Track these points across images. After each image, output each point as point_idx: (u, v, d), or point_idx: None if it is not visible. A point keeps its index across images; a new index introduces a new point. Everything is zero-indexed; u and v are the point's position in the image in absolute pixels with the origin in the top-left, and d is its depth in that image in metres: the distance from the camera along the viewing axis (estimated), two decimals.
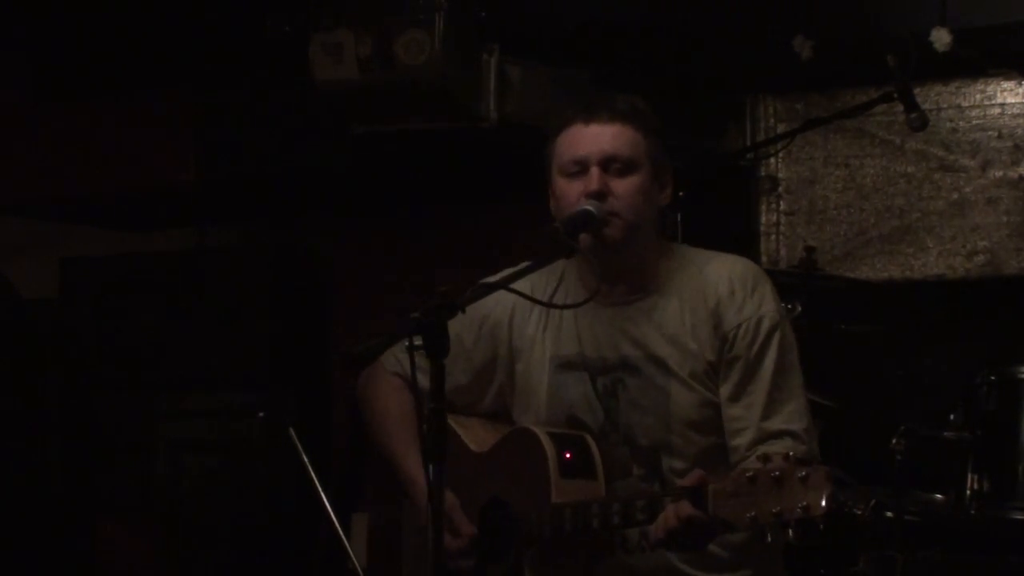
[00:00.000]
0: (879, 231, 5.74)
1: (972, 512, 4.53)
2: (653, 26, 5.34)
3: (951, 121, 5.65)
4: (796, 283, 4.98)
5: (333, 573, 5.24)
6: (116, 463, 6.26)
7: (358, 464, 5.96)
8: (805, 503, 3.14)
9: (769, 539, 3.24)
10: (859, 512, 4.54)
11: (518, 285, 3.61)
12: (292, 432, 3.93)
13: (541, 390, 3.73)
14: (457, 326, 3.57)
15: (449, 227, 6.28)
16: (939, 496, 4.70)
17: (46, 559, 5.97)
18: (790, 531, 3.19)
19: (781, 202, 5.87)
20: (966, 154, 5.65)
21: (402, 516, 3.90)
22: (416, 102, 5.18)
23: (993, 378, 4.58)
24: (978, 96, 5.64)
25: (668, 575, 3.60)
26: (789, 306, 4.78)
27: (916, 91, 5.09)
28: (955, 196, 5.66)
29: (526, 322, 3.78)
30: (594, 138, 3.64)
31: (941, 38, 5.03)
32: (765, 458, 3.20)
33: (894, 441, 4.56)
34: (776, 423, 3.59)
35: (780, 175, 5.87)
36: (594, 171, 3.62)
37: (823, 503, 3.12)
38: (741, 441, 3.59)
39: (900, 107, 5.10)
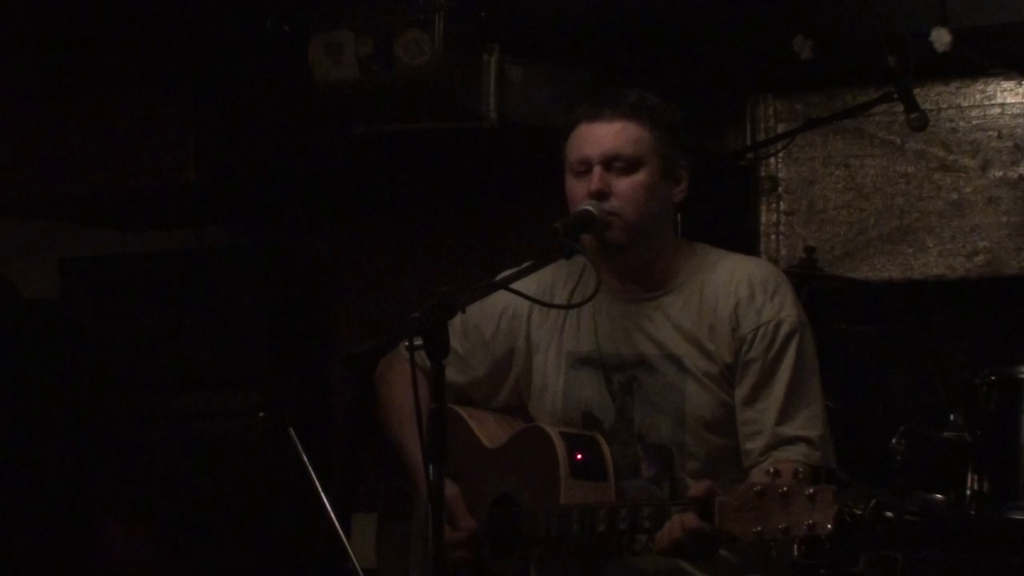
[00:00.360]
0: (879, 231, 5.74)
1: (972, 512, 4.53)
2: (653, 26, 5.34)
3: (951, 121, 5.65)
4: (796, 283, 4.97)
5: (333, 573, 5.25)
6: (116, 463, 6.26)
7: (358, 464, 5.97)
8: (812, 521, 3.13)
9: (774, 555, 3.24)
10: (859, 512, 4.53)
11: (539, 277, 3.61)
12: (292, 432, 3.93)
13: (557, 386, 3.73)
14: (476, 318, 3.58)
15: (449, 227, 6.28)
16: (939, 496, 4.69)
17: (46, 559, 5.97)
18: (795, 548, 3.19)
19: (781, 202, 5.86)
20: (966, 154, 5.65)
21: (411, 515, 3.91)
22: (416, 102, 5.18)
23: (993, 378, 4.58)
24: (978, 96, 5.64)
25: None
26: None
27: (916, 91, 5.09)
28: (955, 196, 5.66)
29: (545, 316, 3.77)
30: (597, 137, 3.63)
31: (941, 38, 5.02)
32: (775, 473, 3.19)
33: (894, 441, 4.56)
34: (791, 429, 3.57)
35: (780, 175, 5.86)
36: (596, 170, 3.62)
37: (830, 523, 3.12)
38: (754, 445, 3.58)
39: (900, 107, 5.11)
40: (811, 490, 3.14)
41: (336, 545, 3.87)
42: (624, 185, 3.61)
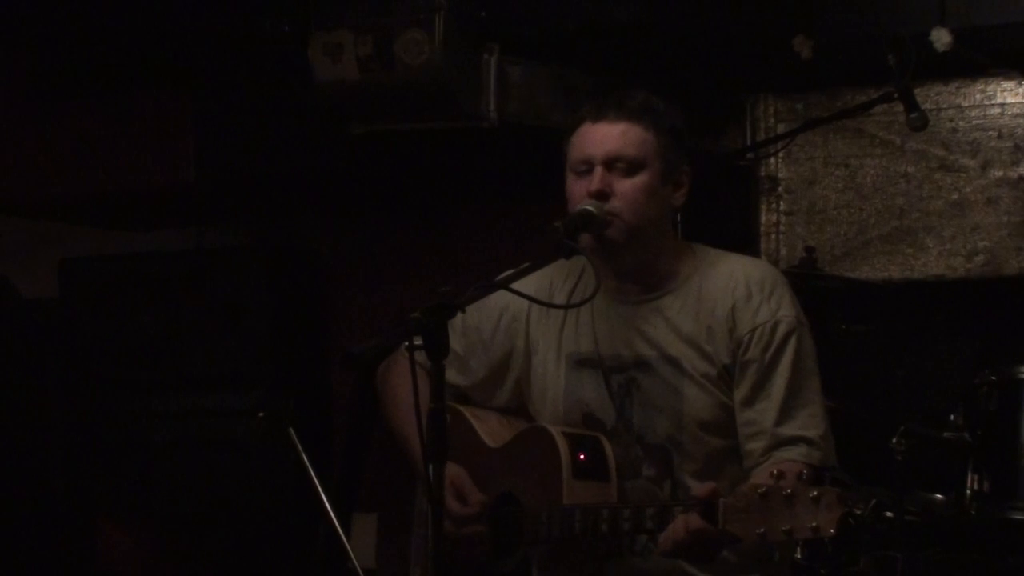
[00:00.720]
0: (879, 231, 5.74)
1: (972, 512, 4.53)
2: (653, 26, 5.34)
3: (951, 121, 5.65)
4: (796, 283, 4.96)
5: (333, 573, 5.25)
6: (116, 463, 6.26)
7: (358, 464, 5.97)
8: (815, 524, 3.13)
9: (776, 557, 3.24)
10: (859, 512, 4.53)
11: (538, 279, 3.61)
12: (292, 432, 3.93)
13: (558, 386, 3.73)
14: (475, 318, 3.58)
15: (449, 227, 6.28)
16: (939, 496, 4.69)
17: (46, 559, 5.97)
18: (798, 551, 3.19)
19: (781, 202, 5.86)
20: (966, 154, 5.65)
21: (415, 509, 3.91)
22: (416, 102, 5.18)
23: (993, 378, 4.58)
24: (978, 96, 5.64)
25: None
26: None
27: (916, 91, 5.09)
28: (955, 196, 5.66)
29: (544, 317, 3.77)
30: (600, 137, 3.63)
31: (941, 38, 5.02)
32: (779, 475, 3.19)
33: (894, 441, 4.56)
34: (791, 429, 3.57)
35: (780, 175, 5.86)
36: (597, 170, 3.62)
37: (834, 525, 3.12)
38: (755, 446, 3.58)
39: (900, 107, 5.10)
40: (815, 492, 3.14)
41: (336, 545, 3.87)
42: (625, 187, 3.62)
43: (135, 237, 6.74)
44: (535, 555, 3.65)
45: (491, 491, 3.72)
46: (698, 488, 3.38)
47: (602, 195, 3.60)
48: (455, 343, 3.45)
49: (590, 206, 3.58)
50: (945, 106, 5.65)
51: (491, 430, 3.80)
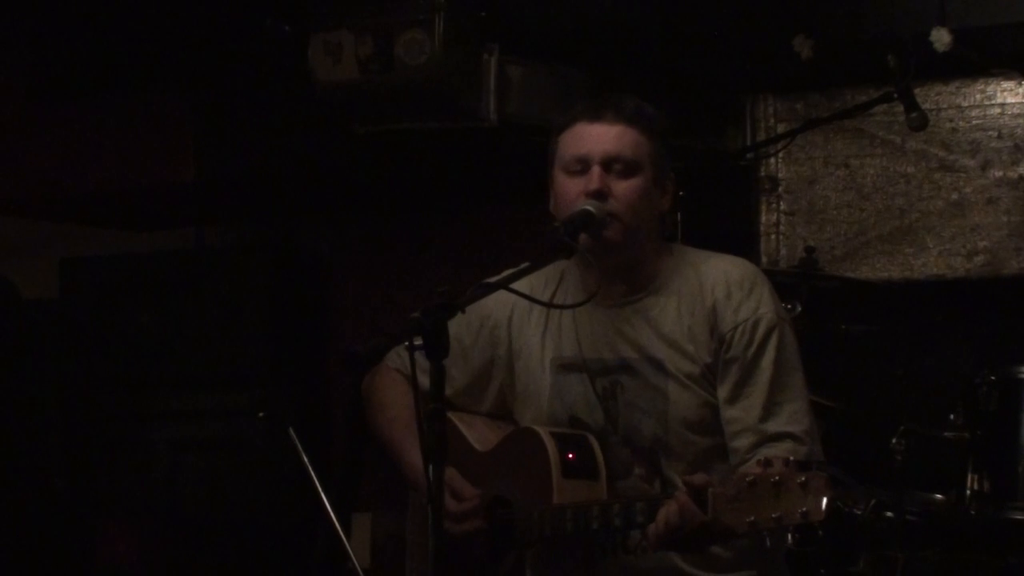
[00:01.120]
0: (879, 231, 5.74)
1: (972, 512, 4.53)
2: (653, 26, 5.34)
3: (951, 121, 5.65)
4: (796, 283, 4.98)
5: (333, 573, 5.25)
6: (116, 463, 6.26)
7: (358, 464, 5.97)
8: (805, 509, 3.14)
9: (768, 544, 3.24)
10: (859, 512, 4.54)
11: (518, 286, 3.61)
12: (292, 432, 3.93)
13: (543, 391, 3.73)
14: (456, 327, 3.56)
15: (449, 227, 6.28)
16: (939, 496, 4.70)
17: (46, 559, 5.97)
18: (789, 537, 3.19)
19: (781, 202, 5.87)
20: (966, 154, 5.65)
21: (408, 515, 3.90)
22: (416, 102, 5.18)
23: (993, 378, 4.58)
24: (978, 96, 5.64)
25: (670, 575, 3.60)
26: (789, 306, 4.78)
27: (916, 91, 5.09)
28: (955, 196, 5.66)
29: (525, 323, 3.77)
30: (598, 137, 3.63)
31: (941, 38, 5.02)
32: (766, 463, 3.20)
33: (894, 441, 4.57)
34: (775, 425, 3.58)
35: (780, 175, 5.86)
36: (595, 170, 3.62)
37: (823, 509, 3.12)
38: (740, 443, 3.59)
39: (900, 107, 5.11)
40: (803, 478, 3.14)
41: (336, 545, 3.87)
42: (622, 188, 3.62)
43: (135, 237, 6.75)
44: (528, 557, 3.65)
45: (482, 495, 3.71)
46: (691, 476, 3.38)
47: (601, 195, 3.60)
48: None
49: (590, 206, 3.58)
50: (945, 106, 5.66)
51: (479, 434, 3.80)
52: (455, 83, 5.13)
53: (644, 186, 3.64)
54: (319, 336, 6.41)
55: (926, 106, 5.22)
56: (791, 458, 3.21)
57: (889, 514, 4.53)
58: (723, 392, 3.62)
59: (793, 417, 3.60)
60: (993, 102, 5.63)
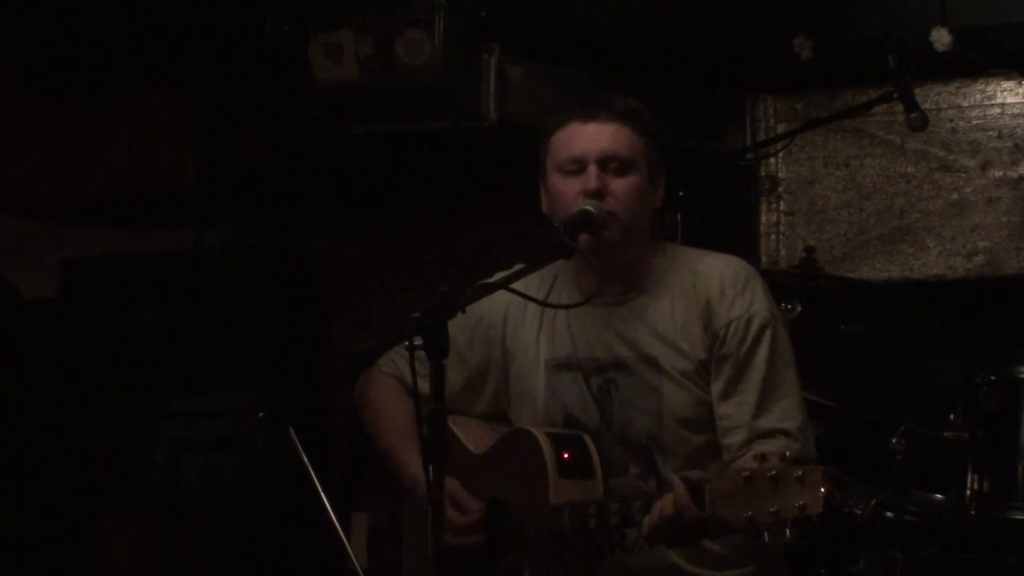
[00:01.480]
0: (879, 231, 5.74)
1: (972, 512, 4.53)
2: (653, 26, 5.34)
3: (951, 121, 5.65)
4: (796, 283, 4.98)
5: (333, 573, 5.25)
6: (116, 463, 6.26)
7: (358, 464, 5.97)
8: (802, 502, 3.14)
9: (766, 539, 3.24)
10: (859, 512, 4.54)
11: (514, 286, 3.61)
12: (292, 432, 3.93)
13: (538, 392, 3.73)
14: (451, 329, 3.56)
15: (449, 227, 6.28)
16: (939, 496, 4.69)
17: (46, 559, 5.97)
18: (787, 531, 3.19)
19: (781, 202, 5.86)
20: (966, 154, 5.65)
21: (402, 515, 3.90)
22: (416, 102, 5.18)
23: (993, 378, 4.57)
24: (978, 96, 5.64)
25: (668, 573, 3.60)
26: (788, 306, 4.78)
27: (916, 91, 5.09)
28: (955, 196, 5.66)
29: (520, 324, 3.78)
30: (593, 137, 3.64)
31: (941, 38, 5.03)
32: (762, 457, 3.20)
33: (894, 441, 4.57)
34: (768, 422, 3.58)
35: (780, 175, 5.86)
36: (592, 169, 3.62)
37: (820, 502, 3.13)
38: (733, 440, 3.60)
39: (900, 107, 5.10)
40: (799, 472, 3.14)
41: (336, 545, 3.87)
42: (619, 186, 3.63)
43: (135, 237, 6.74)
44: (526, 557, 3.65)
45: (478, 497, 3.71)
46: (686, 472, 3.38)
47: (598, 194, 3.60)
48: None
49: (589, 206, 3.59)
50: (945, 106, 5.65)
51: (474, 437, 3.81)
52: (455, 83, 5.13)
53: (640, 183, 3.65)
54: (319, 336, 6.41)
55: (926, 106, 5.22)
56: (787, 452, 3.22)
57: (889, 514, 4.53)
58: (716, 389, 3.63)
59: (786, 414, 3.60)
60: (993, 102, 5.63)
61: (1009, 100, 5.61)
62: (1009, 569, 4.54)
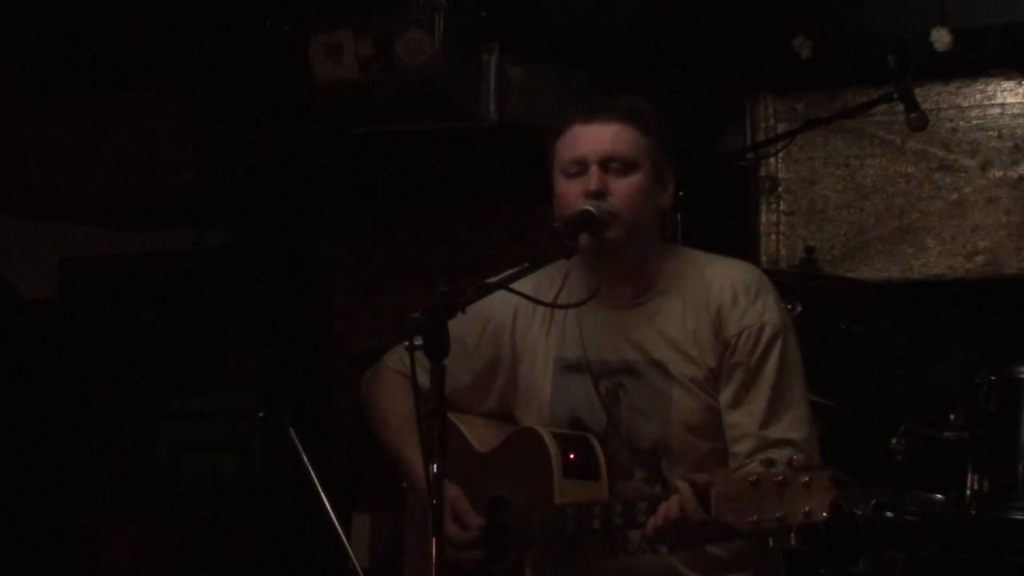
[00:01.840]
0: (879, 231, 5.74)
1: (972, 512, 4.53)
2: (653, 26, 5.34)
3: (951, 121, 5.65)
4: (796, 283, 4.97)
5: (333, 573, 5.25)
6: (116, 463, 6.26)
7: (358, 464, 5.97)
8: (808, 508, 3.13)
9: (771, 543, 3.24)
10: (859, 512, 4.53)
11: (521, 285, 3.61)
12: (292, 432, 3.93)
13: (544, 392, 3.73)
14: (459, 327, 3.56)
15: (449, 227, 6.28)
16: (939, 496, 4.69)
17: (46, 559, 5.97)
18: (792, 536, 3.18)
19: (781, 202, 5.86)
20: (966, 154, 5.65)
21: (405, 515, 3.90)
22: (416, 102, 5.18)
23: (993, 378, 4.57)
24: (978, 96, 5.64)
25: None
26: (789, 306, 4.77)
27: (916, 91, 5.09)
28: (955, 196, 5.66)
29: (529, 323, 3.77)
30: (594, 138, 3.64)
31: (941, 38, 5.03)
32: (768, 462, 3.19)
33: (894, 441, 4.56)
34: (776, 432, 3.58)
35: (780, 175, 5.86)
36: (593, 170, 3.62)
37: (827, 509, 3.12)
38: (740, 448, 3.59)
39: (900, 107, 5.11)
40: (806, 477, 3.14)
41: (336, 545, 3.87)
42: (621, 186, 3.62)
43: (135, 237, 6.74)
44: (529, 557, 3.65)
45: (482, 495, 3.71)
46: (692, 475, 3.38)
47: (600, 195, 3.60)
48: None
49: (590, 206, 3.59)
50: (945, 106, 5.65)
51: (480, 435, 3.80)
52: (455, 83, 5.14)
53: (643, 183, 3.64)
54: (319, 336, 6.41)
55: (926, 106, 5.22)
56: (795, 458, 3.21)
57: (889, 514, 4.52)
58: (725, 396, 3.62)
59: (793, 424, 3.60)
60: (993, 102, 5.63)
61: (1009, 100, 5.61)
62: (1009, 569, 4.54)
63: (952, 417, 4.64)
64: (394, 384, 3.84)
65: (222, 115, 5.89)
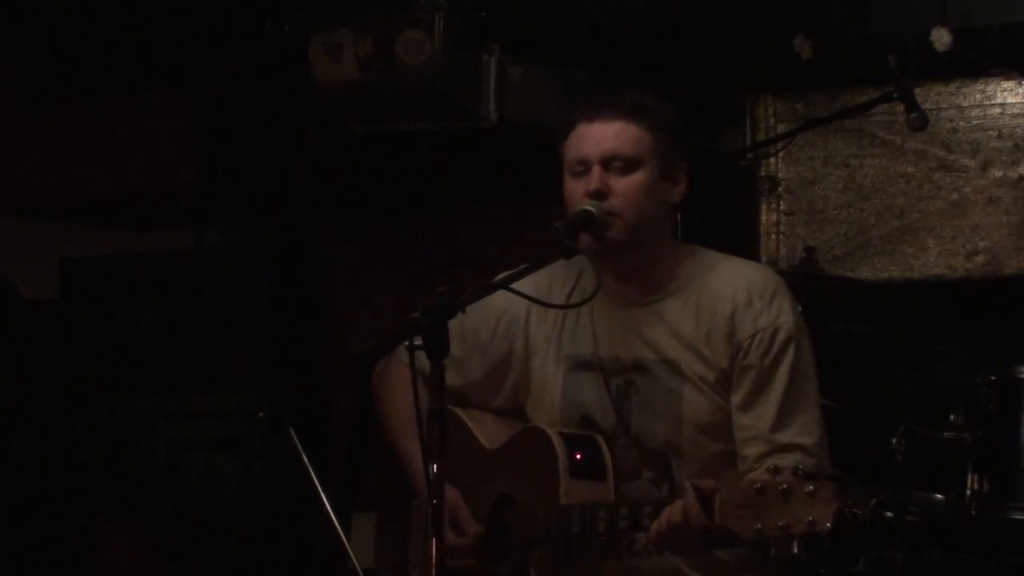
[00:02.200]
0: (879, 231, 5.74)
1: (972, 512, 4.52)
2: (653, 26, 5.34)
3: (951, 121, 5.65)
4: (796, 283, 4.96)
5: (333, 573, 5.25)
6: (116, 463, 6.26)
7: (358, 464, 5.97)
8: (811, 518, 3.12)
9: (773, 552, 3.24)
10: (859, 512, 4.53)
11: (535, 281, 3.61)
12: (292, 432, 3.93)
13: (555, 389, 3.73)
14: (473, 321, 3.58)
15: (449, 227, 6.28)
16: (939, 496, 4.69)
17: (46, 559, 5.97)
18: (795, 545, 3.17)
19: (781, 202, 5.86)
20: (966, 154, 5.65)
21: (411, 517, 3.90)
22: (416, 102, 5.18)
23: (993, 378, 4.57)
24: (978, 96, 5.64)
25: None
26: None
27: (916, 91, 5.09)
28: (955, 196, 5.66)
29: (542, 319, 3.77)
30: (596, 136, 3.63)
31: (941, 38, 5.02)
32: (774, 470, 3.19)
33: (894, 441, 4.56)
34: (786, 436, 3.57)
35: (780, 175, 5.86)
36: (595, 170, 3.62)
37: (830, 519, 3.11)
38: (750, 451, 3.58)
39: (900, 107, 5.10)
40: (811, 487, 3.13)
41: (336, 545, 3.87)
42: (623, 185, 3.61)
43: (135, 237, 6.74)
44: (533, 557, 3.65)
45: (488, 493, 3.71)
46: (697, 480, 3.38)
47: (600, 195, 3.60)
48: (452, 346, 3.45)
49: (590, 206, 3.58)
50: (945, 106, 5.65)
51: (487, 432, 3.80)
52: (455, 83, 5.13)
53: (647, 181, 3.63)
54: (319, 336, 6.41)
55: (926, 106, 5.22)
56: (800, 466, 3.20)
57: (889, 514, 4.52)
58: (737, 399, 3.61)
59: (804, 429, 3.59)
60: (993, 102, 5.63)
61: (1009, 100, 5.61)
62: (1009, 569, 4.54)
63: (952, 417, 4.64)
64: (403, 379, 3.83)
65: (222, 115, 5.89)
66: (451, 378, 3.71)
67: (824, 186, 5.82)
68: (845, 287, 5.38)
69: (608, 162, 3.62)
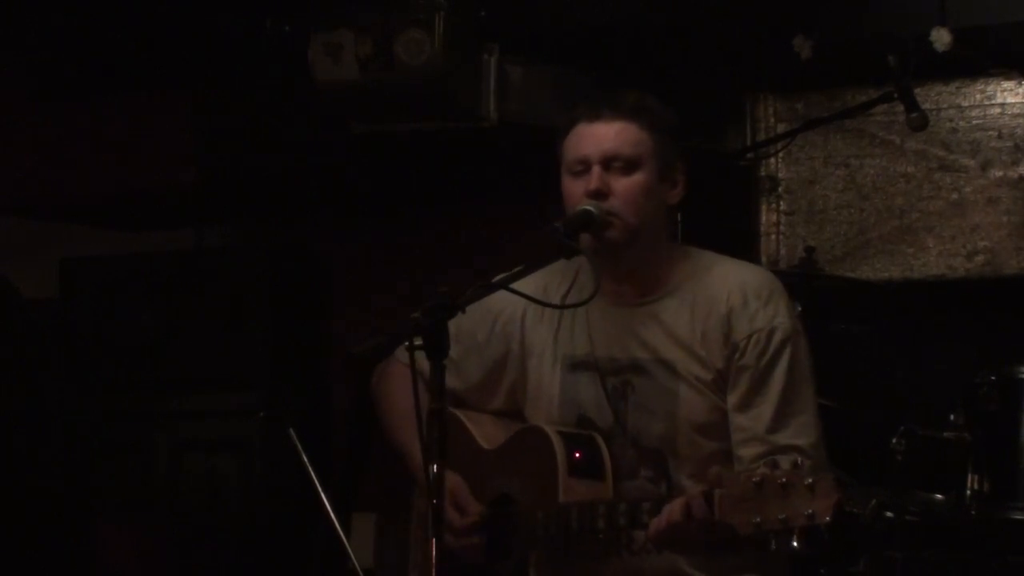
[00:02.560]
0: (879, 231, 5.74)
1: (972, 512, 4.53)
2: (653, 26, 5.34)
3: (951, 121, 5.65)
4: (796, 283, 4.97)
5: (333, 573, 5.25)
6: (116, 463, 6.26)
7: (358, 464, 5.97)
8: (811, 511, 3.12)
9: (773, 547, 3.23)
10: (859, 512, 4.53)
11: (533, 282, 3.61)
12: (292, 432, 3.93)
13: (553, 389, 3.73)
14: (470, 323, 3.58)
15: (449, 227, 6.28)
16: (939, 496, 4.69)
17: (46, 559, 5.97)
18: (795, 540, 3.17)
19: (781, 202, 5.86)
20: (966, 154, 5.65)
21: (412, 515, 3.91)
22: (416, 102, 5.18)
23: (993, 378, 4.57)
24: (978, 96, 5.64)
25: None
26: None
27: (916, 91, 5.09)
28: (955, 196, 5.66)
29: (538, 320, 3.77)
30: (596, 136, 3.64)
31: (941, 38, 5.03)
32: (773, 464, 3.19)
33: (894, 441, 4.56)
34: (783, 437, 3.57)
35: (780, 175, 5.86)
36: (595, 170, 3.62)
37: (830, 512, 3.11)
38: (747, 452, 3.58)
39: (900, 107, 5.11)
40: (810, 480, 3.13)
41: (336, 545, 3.87)
42: (623, 185, 3.62)
43: (135, 237, 6.74)
44: (532, 556, 3.65)
45: (488, 493, 3.72)
46: (700, 481, 3.38)
47: (600, 194, 3.60)
48: (450, 348, 3.45)
49: (590, 206, 3.59)
50: (945, 106, 5.65)
51: (486, 432, 3.80)
52: (455, 83, 5.14)
53: (646, 181, 3.63)
54: (319, 336, 6.41)
55: (926, 106, 5.22)
56: (799, 460, 3.20)
57: (889, 514, 4.53)
58: (733, 399, 3.61)
59: (801, 430, 3.59)
60: (993, 102, 5.63)
61: (1009, 100, 5.61)
62: (1009, 569, 4.54)
63: (952, 417, 4.64)
64: (403, 379, 3.83)
65: (222, 115, 5.89)
66: (449, 381, 3.70)
67: (824, 186, 5.82)
68: (845, 287, 5.39)
69: (608, 162, 3.62)
